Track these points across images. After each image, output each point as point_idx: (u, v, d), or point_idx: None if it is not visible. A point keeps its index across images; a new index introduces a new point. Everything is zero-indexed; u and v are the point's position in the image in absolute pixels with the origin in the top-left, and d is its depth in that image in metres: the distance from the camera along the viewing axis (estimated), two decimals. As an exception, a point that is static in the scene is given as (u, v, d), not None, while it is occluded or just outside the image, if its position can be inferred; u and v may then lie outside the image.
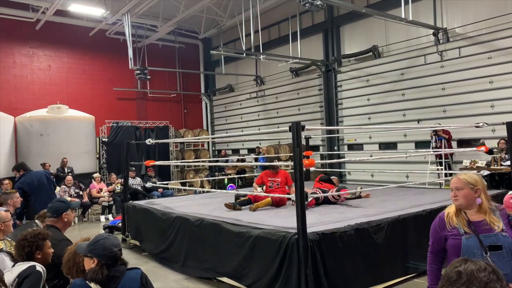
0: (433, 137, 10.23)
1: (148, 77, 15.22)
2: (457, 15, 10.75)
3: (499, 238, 2.47)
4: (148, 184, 9.14)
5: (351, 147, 13.38)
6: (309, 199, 6.01)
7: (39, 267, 2.84)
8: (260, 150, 14.30)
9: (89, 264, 2.38)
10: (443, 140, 10.06)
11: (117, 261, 2.40)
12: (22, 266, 2.84)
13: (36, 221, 4.38)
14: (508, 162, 8.05)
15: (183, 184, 13.87)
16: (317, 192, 6.56)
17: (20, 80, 15.00)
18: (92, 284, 2.29)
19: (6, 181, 8.99)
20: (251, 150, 16.91)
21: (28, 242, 2.93)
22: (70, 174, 11.50)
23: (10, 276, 2.82)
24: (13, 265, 2.95)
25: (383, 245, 4.73)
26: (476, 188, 2.57)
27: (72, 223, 3.93)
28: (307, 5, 8.67)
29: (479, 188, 2.57)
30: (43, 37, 15.31)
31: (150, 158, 13.51)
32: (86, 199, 10.69)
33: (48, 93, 15.22)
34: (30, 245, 2.93)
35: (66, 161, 12.25)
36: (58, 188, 10.07)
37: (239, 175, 13.37)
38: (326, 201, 6.53)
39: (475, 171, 8.17)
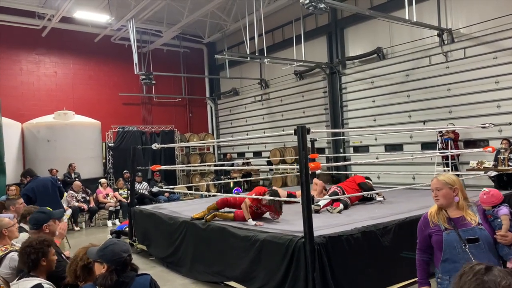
0: (439, 138, 10.19)
1: (153, 82, 15.31)
2: (461, 16, 10.71)
3: (476, 232, 2.66)
4: (155, 189, 9.20)
5: (357, 149, 13.35)
6: (321, 201, 6.03)
7: (47, 285, 2.78)
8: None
9: (100, 269, 2.40)
10: (449, 141, 10.02)
11: (126, 267, 2.41)
12: (28, 283, 2.75)
13: (22, 224, 4.21)
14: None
15: (189, 188, 13.92)
16: (339, 192, 6.48)
17: (27, 87, 15.14)
18: (101, 290, 2.31)
19: (13, 187, 9.09)
20: (256, 154, 16.94)
21: (34, 249, 2.87)
22: (77, 179, 11.58)
23: None
24: (18, 278, 2.90)
25: (390, 248, 4.72)
26: (454, 188, 2.76)
27: (57, 232, 3.69)
28: (310, 8, 8.67)
29: (456, 187, 2.77)
30: (49, 44, 15.46)
31: (156, 162, 13.57)
32: (92, 204, 10.76)
33: (54, 99, 15.35)
34: (36, 251, 2.87)
35: (75, 167, 12.34)
36: (65, 194, 10.14)
37: (244, 179, 13.38)
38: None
39: (482, 172, 8.14)
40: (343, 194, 6.44)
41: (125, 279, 2.37)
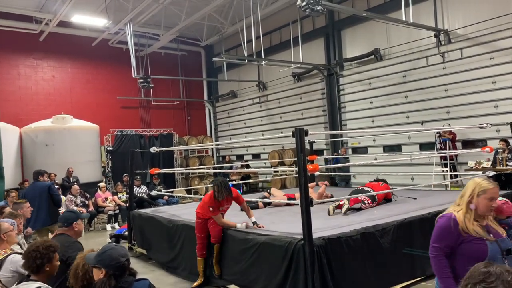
0: (437, 138, 10.21)
1: (151, 85, 15.33)
2: (458, 16, 10.75)
3: (508, 242, 2.49)
4: (154, 192, 9.18)
5: (355, 150, 13.37)
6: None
7: None
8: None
9: (98, 275, 2.40)
10: (447, 141, 10.04)
11: (124, 272, 2.41)
12: (28, 287, 2.78)
13: None
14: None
15: (188, 191, 13.90)
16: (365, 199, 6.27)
17: (24, 91, 15.13)
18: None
19: (13, 194, 9.05)
20: (255, 156, 16.93)
21: (40, 253, 2.88)
22: (75, 183, 11.56)
23: None
24: (18, 282, 2.92)
25: (390, 249, 4.72)
26: None
27: (82, 233, 3.94)
28: (307, 10, 8.69)
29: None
30: (47, 48, 15.46)
31: (154, 166, 13.55)
32: (91, 208, 10.73)
33: (52, 104, 15.34)
34: (42, 256, 2.87)
35: (72, 171, 12.32)
36: (64, 198, 10.12)
37: (243, 181, 13.38)
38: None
39: (480, 172, 8.15)
40: (371, 196, 6.25)
41: (124, 284, 2.36)
